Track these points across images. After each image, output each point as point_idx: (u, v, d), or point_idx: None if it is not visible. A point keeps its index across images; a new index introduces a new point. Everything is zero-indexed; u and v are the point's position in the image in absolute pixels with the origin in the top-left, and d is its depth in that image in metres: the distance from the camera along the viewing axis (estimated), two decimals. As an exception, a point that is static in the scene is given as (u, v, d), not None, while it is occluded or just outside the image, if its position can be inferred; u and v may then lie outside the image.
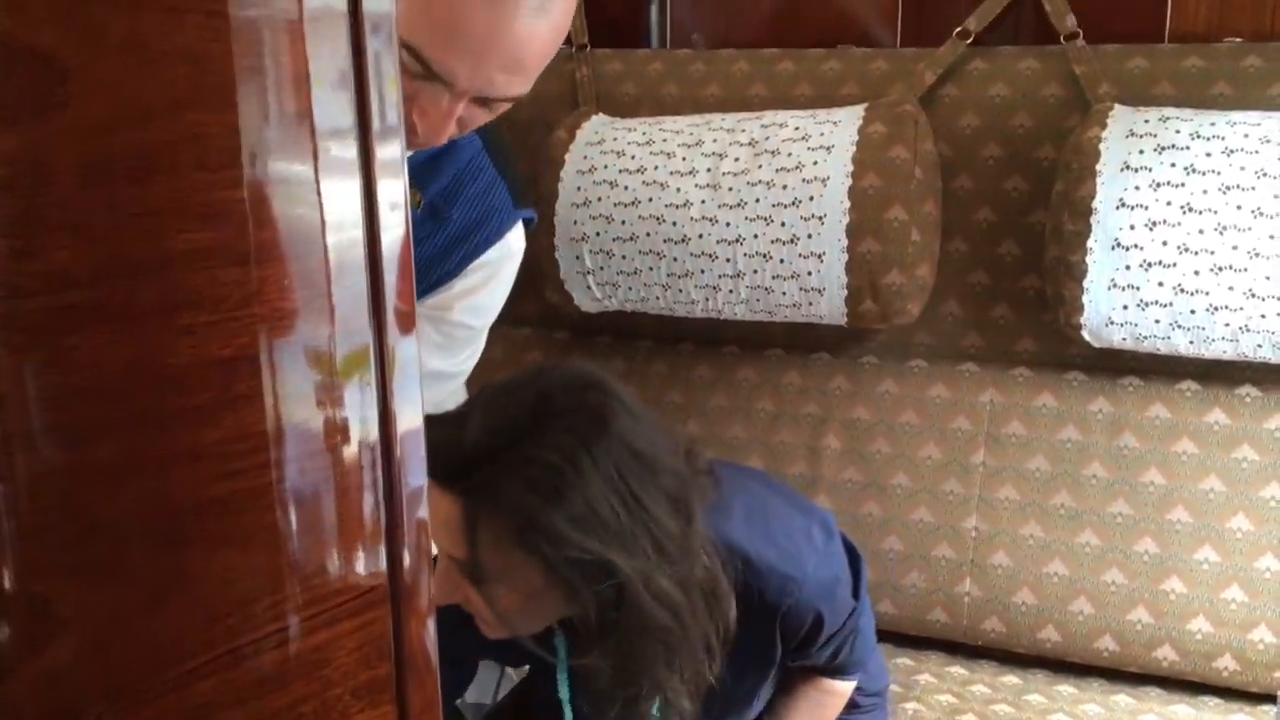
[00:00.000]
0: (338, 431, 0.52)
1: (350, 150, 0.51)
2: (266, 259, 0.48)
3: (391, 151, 0.52)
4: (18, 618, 0.44)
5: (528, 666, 1.31)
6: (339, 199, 0.51)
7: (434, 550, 0.99)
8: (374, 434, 0.54)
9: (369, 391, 0.53)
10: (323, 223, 0.50)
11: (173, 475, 0.46)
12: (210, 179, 0.45)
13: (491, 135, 1.22)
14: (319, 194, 0.50)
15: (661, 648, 0.97)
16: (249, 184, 0.47)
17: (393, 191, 0.53)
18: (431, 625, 0.59)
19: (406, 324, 0.55)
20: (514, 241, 1.31)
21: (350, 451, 0.53)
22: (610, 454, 0.93)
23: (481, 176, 1.25)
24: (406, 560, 0.56)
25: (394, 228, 0.53)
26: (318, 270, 0.50)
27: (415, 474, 0.57)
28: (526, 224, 1.35)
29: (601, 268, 1.64)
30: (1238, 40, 1.51)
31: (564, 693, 1.12)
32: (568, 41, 1.81)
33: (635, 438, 0.96)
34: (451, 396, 1.57)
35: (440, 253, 1.24)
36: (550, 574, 0.93)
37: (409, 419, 0.56)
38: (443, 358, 1.30)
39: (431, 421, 0.95)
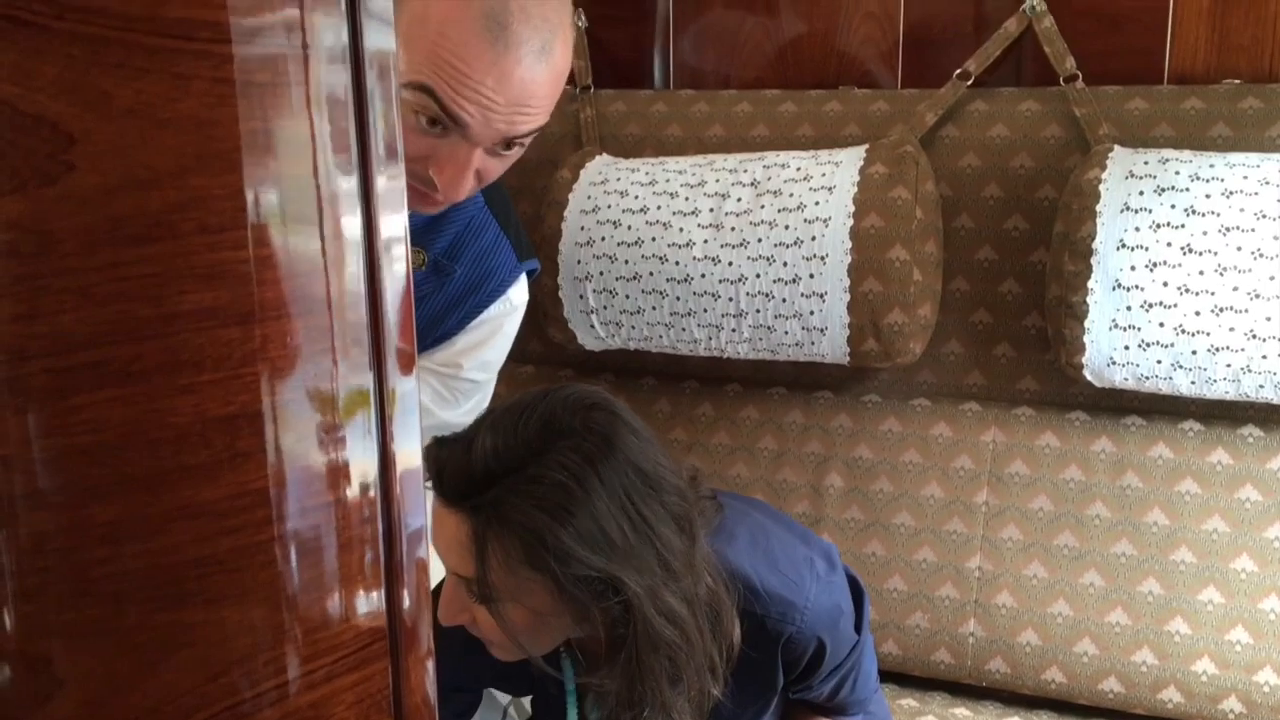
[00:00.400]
0: (338, 480, 0.52)
1: (354, 202, 0.52)
2: (269, 316, 0.48)
3: (392, 196, 0.53)
4: (18, 677, 0.44)
5: (530, 700, 1.30)
6: (340, 248, 0.51)
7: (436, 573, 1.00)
8: (374, 478, 0.54)
9: (369, 437, 0.54)
10: (325, 275, 0.51)
11: (172, 534, 0.46)
12: (213, 240, 0.46)
13: (493, 190, 1.24)
14: (323, 251, 0.50)
15: (668, 664, 0.97)
16: (252, 244, 0.47)
17: (395, 239, 0.53)
18: (431, 667, 0.59)
19: (407, 364, 0.55)
20: (516, 296, 1.33)
21: (351, 498, 0.53)
22: (617, 473, 0.94)
23: (484, 234, 1.27)
24: (406, 603, 0.57)
25: (395, 272, 0.53)
26: (320, 320, 0.51)
27: (415, 515, 0.57)
28: (530, 274, 1.37)
29: (605, 306, 1.64)
30: (1236, 82, 1.52)
31: (572, 717, 1.12)
32: (572, 82, 1.83)
33: (640, 457, 0.97)
34: None
35: (444, 309, 1.26)
36: (559, 593, 0.93)
37: (408, 459, 0.56)
38: (448, 409, 1.31)
39: (440, 442, 0.97)
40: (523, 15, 1.02)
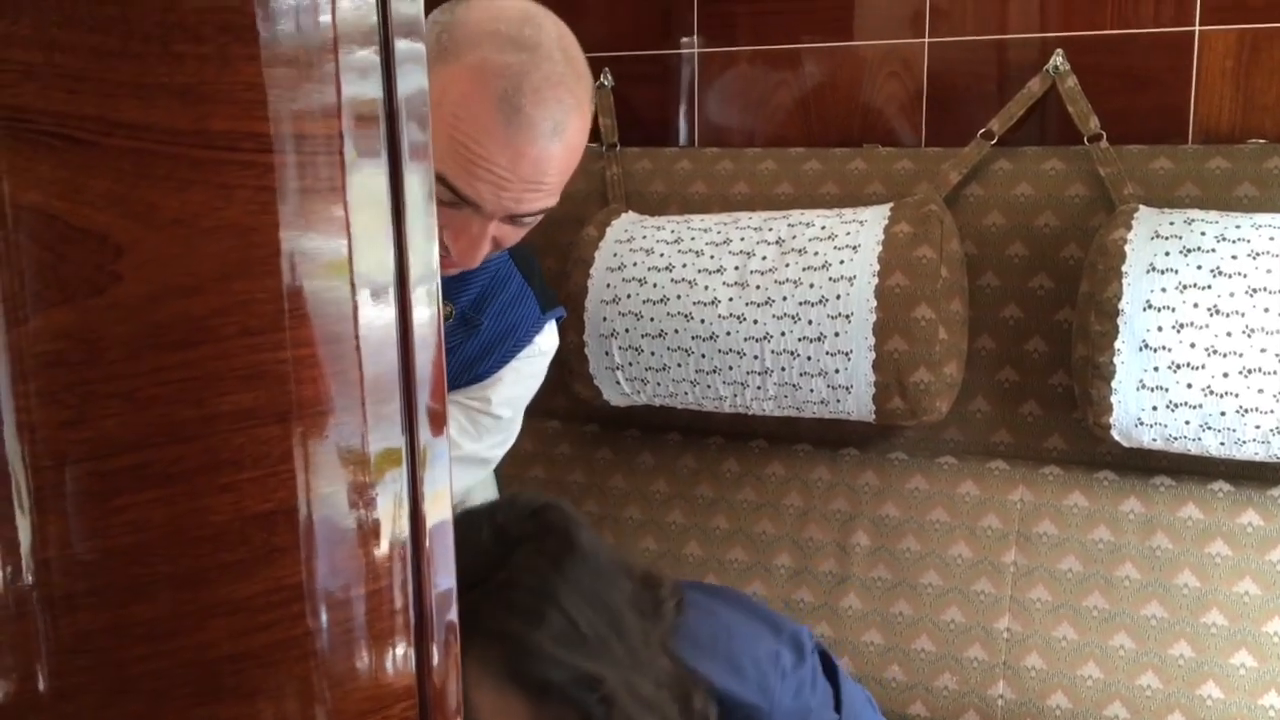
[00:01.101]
0: (373, 570, 0.53)
1: (389, 295, 0.53)
2: (306, 413, 0.49)
3: (427, 279, 0.54)
4: (57, 774, 0.45)
5: None
6: (376, 339, 0.52)
7: None
8: (409, 562, 0.55)
9: (403, 519, 0.55)
10: (360, 368, 0.52)
11: (209, 630, 0.47)
12: (254, 342, 0.47)
13: (516, 246, 1.27)
14: (358, 346, 0.51)
15: None
16: (290, 344, 0.48)
17: (426, 308, 0.54)
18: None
19: (438, 424, 0.56)
20: (545, 343, 1.35)
21: (385, 587, 0.54)
22: (579, 568, 0.95)
23: (509, 286, 1.30)
24: (435, 661, 0.57)
25: (427, 340, 0.54)
26: (354, 414, 0.52)
27: (444, 576, 0.57)
28: (557, 321, 1.39)
29: (630, 363, 1.65)
30: (1261, 141, 1.52)
31: None
32: (598, 140, 1.85)
33: (598, 549, 0.98)
34: (480, 487, 1.59)
35: (474, 358, 1.28)
36: (537, 702, 0.93)
37: (439, 516, 0.57)
38: (471, 442, 1.33)
39: None
40: (536, 96, 1.03)
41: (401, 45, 0.48)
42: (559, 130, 1.05)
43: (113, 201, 0.43)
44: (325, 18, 0.48)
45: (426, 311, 0.53)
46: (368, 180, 0.50)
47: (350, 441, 0.51)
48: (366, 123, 0.49)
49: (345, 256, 0.50)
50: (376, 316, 0.51)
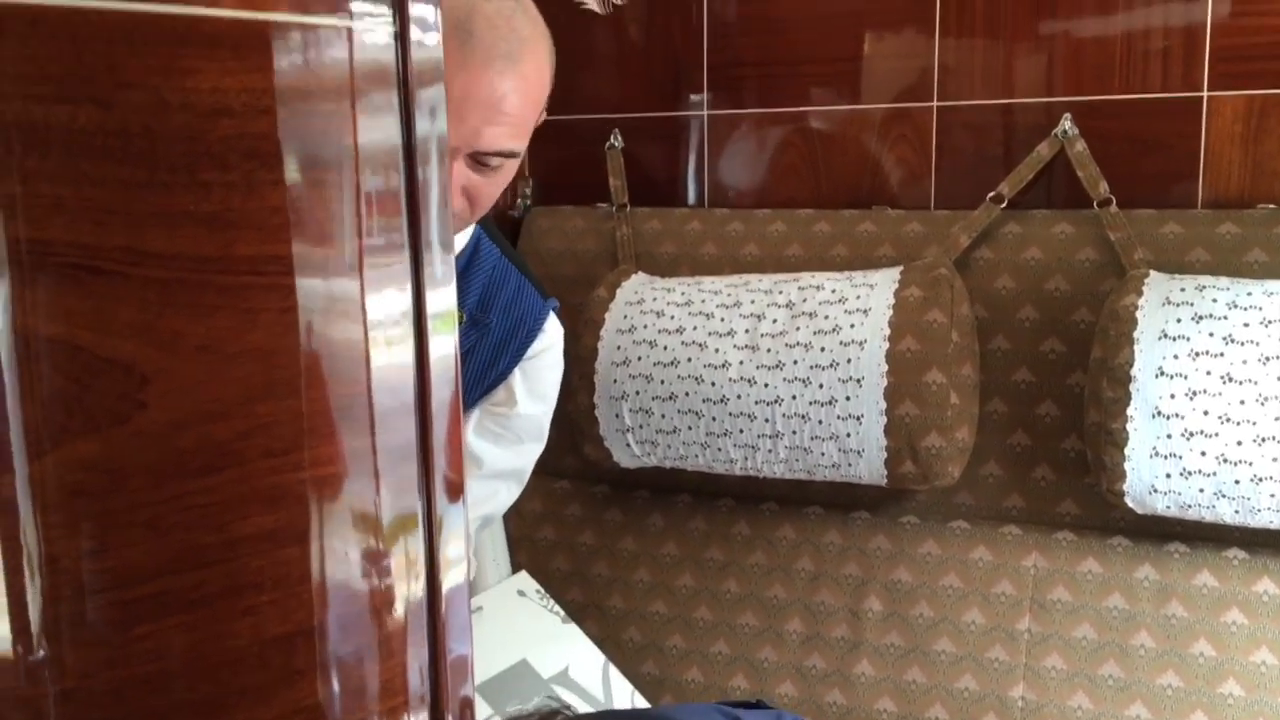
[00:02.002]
0: (391, 690, 0.53)
1: (410, 412, 0.53)
2: (326, 532, 0.49)
3: (444, 366, 0.53)
4: None
5: None
6: (395, 452, 0.52)
7: None
8: (427, 688, 0.54)
9: (421, 639, 0.54)
10: (376, 478, 0.52)
11: (228, 757, 0.47)
12: (276, 464, 0.47)
13: (502, 242, 1.34)
14: (375, 463, 0.51)
15: None
16: (311, 463, 0.48)
17: (446, 403, 0.54)
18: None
19: (455, 493, 0.55)
20: (552, 330, 1.37)
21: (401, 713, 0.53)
22: None
23: (509, 282, 1.32)
24: None
25: (443, 426, 0.54)
26: (372, 533, 0.51)
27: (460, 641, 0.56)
28: (555, 311, 1.40)
29: (641, 426, 1.65)
30: (1271, 206, 1.52)
31: None
32: (608, 200, 1.86)
33: None
34: (490, 542, 1.58)
35: (490, 359, 1.30)
36: None
37: (459, 643, 0.56)
38: (508, 449, 1.34)
39: None
40: (488, 24, 1.05)
41: (424, 172, 0.48)
42: (512, 57, 1.07)
43: (138, 331, 0.43)
44: (347, 140, 0.48)
45: (448, 364, 0.53)
46: (389, 304, 0.50)
47: (374, 561, 0.51)
48: (390, 250, 0.49)
49: (364, 372, 0.50)
50: (396, 426, 0.51)
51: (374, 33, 0.48)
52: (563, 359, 1.40)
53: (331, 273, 0.48)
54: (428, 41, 0.51)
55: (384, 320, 0.50)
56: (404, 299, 0.50)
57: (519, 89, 1.09)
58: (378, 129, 0.49)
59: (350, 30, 0.48)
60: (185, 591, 0.45)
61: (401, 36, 0.48)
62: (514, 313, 1.32)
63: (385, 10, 0.48)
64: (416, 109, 0.48)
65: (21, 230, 0.40)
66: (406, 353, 0.52)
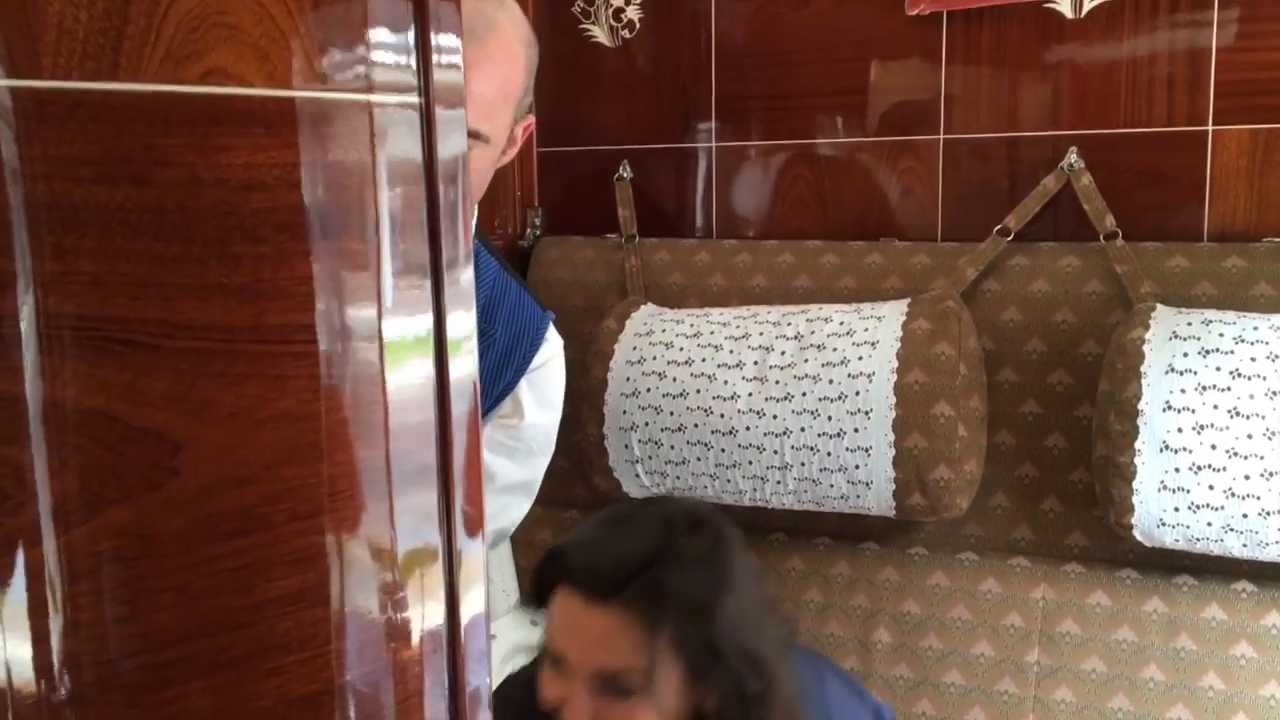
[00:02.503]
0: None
1: (431, 474, 0.54)
2: (350, 593, 0.50)
3: (466, 427, 0.55)
4: None
5: None
6: (416, 518, 0.53)
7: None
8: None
9: (443, 688, 0.55)
10: (394, 535, 0.53)
11: (254, 817, 0.47)
12: (302, 527, 0.48)
13: (499, 256, 1.35)
14: (393, 523, 0.52)
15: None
16: (335, 526, 0.49)
17: (469, 466, 0.55)
18: None
19: (474, 527, 0.56)
20: (554, 339, 1.38)
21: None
22: (740, 562, 1.04)
23: (509, 293, 1.33)
24: None
25: (465, 445, 0.55)
26: (397, 594, 0.52)
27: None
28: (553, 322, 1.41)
29: (650, 457, 1.66)
30: (1277, 240, 1.53)
31: None
32: (617, 231, 1.88)
33: (746, 553, 1.06)
34: (496, 565, 1.59)
35: (495, 369, 1.31)
36: (697, 671, 0.98)
37: (478, 681, 0.57)
38: (519, 463, 1.35)
39: (561, 552, 1.03)
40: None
41: (449, 246, 0.50)
42: (475, 35, 1.07)
43: (171, 400, 0.44)
44: (370, 211, 0.49)
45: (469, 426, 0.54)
46: (411, 371, 0.51)
47: (391, 614, 0.52)
48: (415, 313, 0.50)
49: (382, 436, 0.51)
50: (419, 494, 0.52)
51: (397, 105, 0.50)
52: (564, 368, 1.41)
53: (355, 338, 0.49)
54: (452, 103, 0.52)
55: (404, 385, 0.51)
56: (426, 365, 0.51)
57: (483, 67, 1.10)
58: (401, 197, 0.50)
59: (372, 104, 0.49)
60: (213, 654, 0.46)
61: (427, 110, 0.49)
62: (516, 323, 1.33)
63: (411, 81, 0.50)
64: (440, 176, 0.50)
65: (60, 306, 0.41)
66: (428, 413, 0.53)
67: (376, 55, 0.49)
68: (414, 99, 0.50)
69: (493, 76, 1.12)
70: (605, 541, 1.03)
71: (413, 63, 0.51)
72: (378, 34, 0.49)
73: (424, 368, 0.51)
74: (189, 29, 0.43)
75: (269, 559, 0.47)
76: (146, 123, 0.42)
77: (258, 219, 0.45)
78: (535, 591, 1.07)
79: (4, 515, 0.41)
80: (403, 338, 0.51)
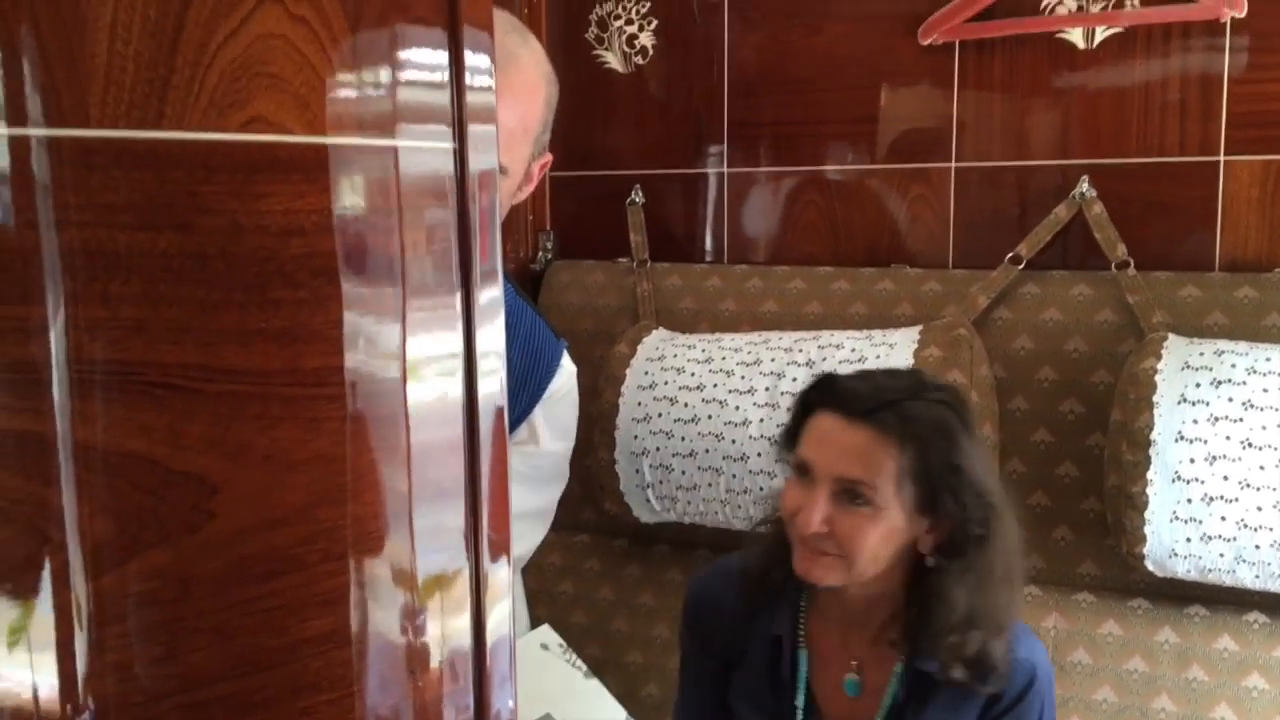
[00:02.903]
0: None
1: (459, 505, 0.54)
2: (379, 633, 0.50)
3: (498, 475, 0.55)
4: None
5: None
6: (447, 557, 0.54)
7: None
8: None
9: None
10: (414, 571, 0.53)
11: None
12: (334, 567, 0.49)
13: (512, 283, 1.32)
14: (413, 558, 0.53)
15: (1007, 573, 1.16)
16: (360, 567, 0.50)
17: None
18: None
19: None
20: (567, 365, 1.38)
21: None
22: (976, 423, 1.19)
23: (524, 317, 1.33)
24: None
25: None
26: (425, 640, 0.53)
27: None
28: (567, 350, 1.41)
29: (661, 482, 1.66)
30: (1288, 271, 1.53)
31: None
32: (629, 255, 1.88)
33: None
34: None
35: (514, 390, 1.30)
36: (929, 496, 1.11)
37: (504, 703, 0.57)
38: (534, 490, 1.35)
39: (830, 379, 1.20)
40: None
41: (482, 295, 0.50)
42: (498, 67, 1.08)
43: (210, 443, 0.45)
44: (398, 251, 0.50)
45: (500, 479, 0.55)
46: (440, 410, 0.51)
47: (423, 661, 0.52)
48: (444, 359, 0.50)
49: (404, 476, 0.51)
50: (452, 535, 0.53)
51: (430, 149, 0.50)
52: (576, 394, 1.41)
53: (382, 379, 0.49)
54: (484, 148, 0.53)
55: (428, 419, 0.52)
56: (454, 398, 0.52)
57: (503, 99, 1.11)
58: (430, 238, 0.50)
59: (400, 149, 0.49)
60: (249, 694, 0.46)
61: (461, 153, 0.50)
62: (531, 347, 1.33)
63: (444, 128, 0.50)
64: (472, 225, 0.50)
65: (103, 351, 0.42)
66: (455, 440, 0.53)
67: (410, 97, 0.50)
68: (446, 144, 0.50)
69: (513, 109, 1.13)
70: (867, 377, 1.19)
71: (447, 102, 0.51)
72: (410, 75, 0.50)
73: (451, 403, 0.52)
74: (232, 78, 0.43)
75: (302, 600, 0.47)
76: (189, 170, 0.43)
77: (296, 264, 0.46)
78: (796, 415, 1.21)
79: (44, 557, 0.42)
80: (428, 375, 0.51)
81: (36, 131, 0.40)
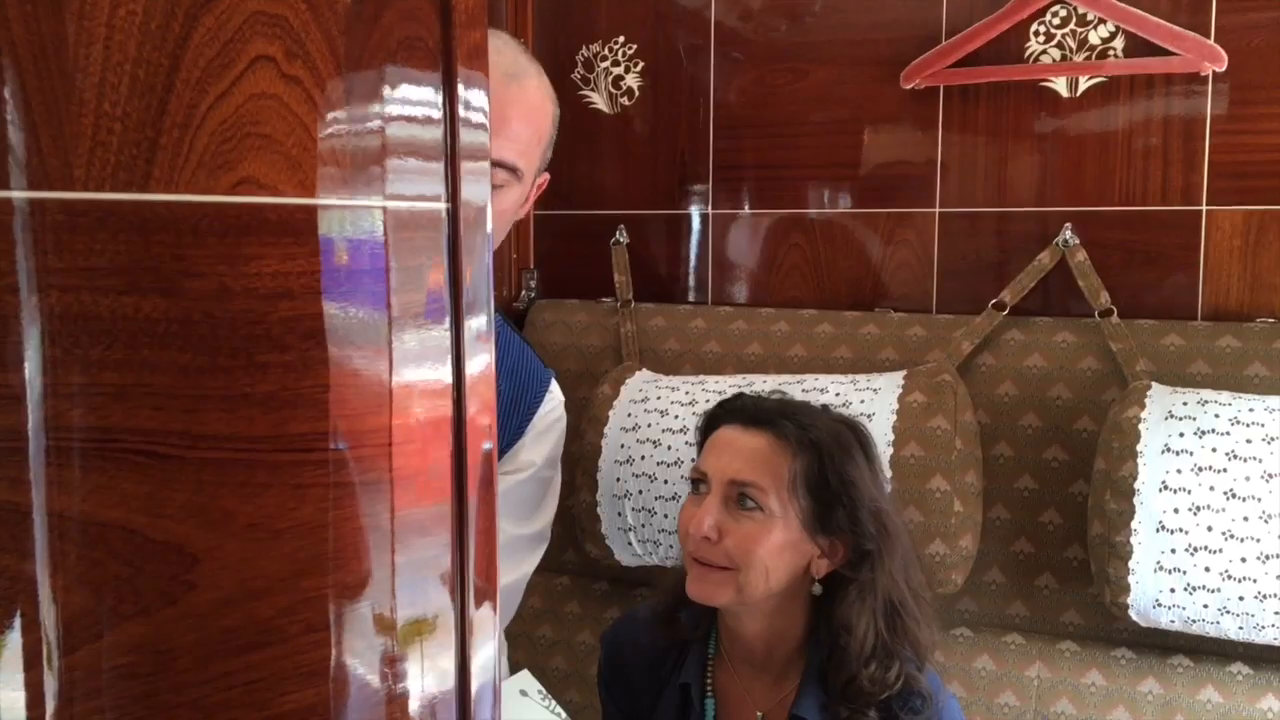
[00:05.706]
0: None
1: (448, 559, 0.53)
2: (359, 708, 0.49)
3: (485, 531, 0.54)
4: None
5: None
6: (438, 621, 0.52)
7: None
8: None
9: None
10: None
11: None
12: (316, 639, 0.47)
13: (500, 312, 1.31)
14: (394, 604, 0.51)
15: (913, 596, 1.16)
16: (344, 639, 0.48)
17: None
18: None
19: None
20: (556, 392, 1.38)
21: None
22: (876, 454, 1.22)
23: (512, 345, 1.33)
24: None
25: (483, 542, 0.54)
26: (413, 703, 0.51)
27: None
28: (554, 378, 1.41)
29: (643, 525, 1.65)
30: (1271, 320, 1.54)
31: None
32: (613, 295, 1.88)
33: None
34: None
35: (503, 417, 1.30)
36: (821, 510, 1.12)
37: None
38: (528, 514, 1.34)
39: (736, 398, 1.24)
40: (494, 50, 1.09)
41: (473, 365, 0.49)
42: (515, 76, 1.11)
43: (192, 512, 0.43)
44: (386, 313, 0.49)
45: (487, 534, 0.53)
46: (432, 475, 0.50)
47: (400, 715, 0.51)
48: (435, 425, 0.49)
49: (388, 541, 0.50)
50: (438, 598, 0.51)
51: (423, 211, 0.49)
52: (565, 420, 1.41)
53: (368, 445, 0.48)
54: (477, 200, 0.52)
55: (413, 480, 0.51)
56: (443, 472, 0.51)
57: (521, 106, 1.13)
58: (422, 304, 0.50)
59: (389, 210, 0.49)
60: (225, 773, 0.45)
61: (454, 214, 0.49)
62: (520, 374, 1.33)
63: (438, 189, 0.49)
64: (464, 290, 0.49)
65: (83, 418, 0.41)
66: (444, 529, 0.52)
67: (402, 154, 0.49)
68: (440, 205, 0.50)
69: (529, 119, 1.15)
70: (775, 396, 1.23)
71: (441, 163, 0.51)
72: (403, 133, 0.49)
73: (439, 465, 0.50)
74: (223, 139, 0.43)
75: (283, 672, 0.46)
76: (176, 233, 0.42)
77: (284, 327, 0.45)
78: (701, 434, 1.24)
79: (19, 632, 0.40)
80: (415, 436, 0.50)
81: (19, 194, 0.39)
